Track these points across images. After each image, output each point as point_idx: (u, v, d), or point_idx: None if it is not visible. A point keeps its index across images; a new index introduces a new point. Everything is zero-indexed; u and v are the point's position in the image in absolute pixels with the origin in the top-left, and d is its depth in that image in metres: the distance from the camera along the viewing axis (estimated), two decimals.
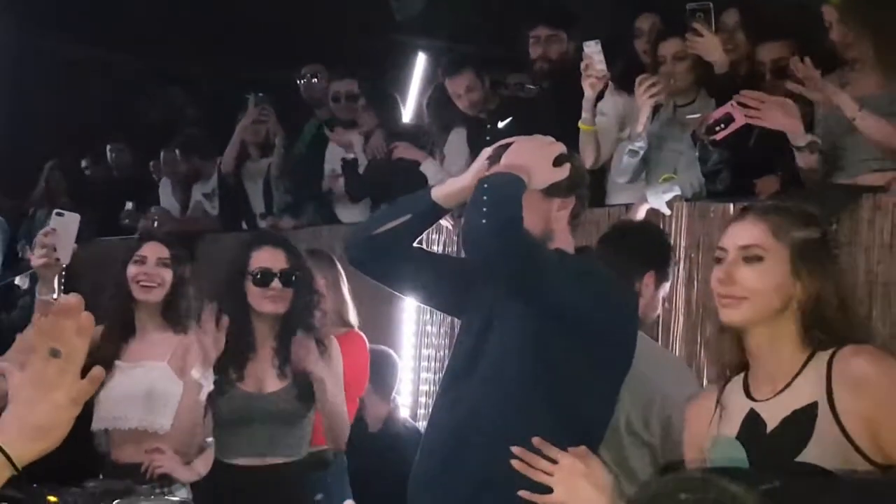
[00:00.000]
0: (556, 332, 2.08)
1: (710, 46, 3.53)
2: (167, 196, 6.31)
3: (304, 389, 2.87)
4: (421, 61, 6.72)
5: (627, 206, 3.62)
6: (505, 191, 2.06)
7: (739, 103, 3.12)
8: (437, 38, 6.81)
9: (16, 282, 5.89)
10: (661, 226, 3.52)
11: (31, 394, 1.23)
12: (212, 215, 6.02)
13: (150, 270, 3.11)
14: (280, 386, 2.88)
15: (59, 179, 6.99)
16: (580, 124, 3.67)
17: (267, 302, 2.88)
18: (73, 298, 1.26)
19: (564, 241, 2.21)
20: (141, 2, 6.46)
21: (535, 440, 1.80)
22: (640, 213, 3.54)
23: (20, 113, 6.99)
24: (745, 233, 1.79)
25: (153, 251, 3.15)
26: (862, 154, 3.15)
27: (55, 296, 3.07)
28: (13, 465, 1.22)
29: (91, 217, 6.70)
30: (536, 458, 1.78)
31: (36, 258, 3.08)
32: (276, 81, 6.06)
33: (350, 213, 5.09)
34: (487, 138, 3.43)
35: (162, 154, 6.41)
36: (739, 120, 3.23)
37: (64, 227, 3.13)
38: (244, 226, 5.69)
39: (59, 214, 3.22)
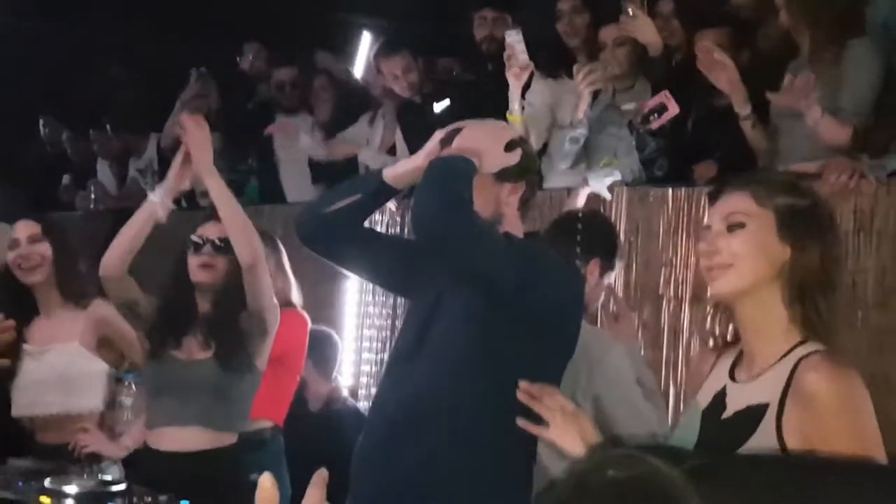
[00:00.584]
0: (501, 314, 2.09)
1: (644, 28, 3.55)
2: (104, 172, 6.22)
3: (230, 361, 2.81)
4: (366, 40, 6.70)
5: (569, 191, 3.64)
6: (455, 172, 2.08)
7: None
8: (381, 17, 6.78)
9: None
10: (602, 209, 3.57)
11: None
12: (147, 191, 5.94)
13: (24, 251, 3.05)
14: (204, 356, 2.83)
15: None
16: (507, 115, 3.64)
17: (199, 271, 2.83)
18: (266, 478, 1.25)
19: (514, 225, 2.23)
20: None
21: (540, 387, 1.91)
22: (581, 198, 3.56)
23: None
24: (726, 204, 1.74)
25: (23, 230, 3.09)
26: (795, 143, 3.21)
27: None
28: None
29: (26, 192, 6.64)
30: (546, 394, 1.88)
31: None
32: (217, 57, 5.98)
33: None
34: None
35: (91, 132, 6.30)
36: (672, 109, 3.28)
37: None
38: (183, 203, 5.63)
39: None
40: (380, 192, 2.32)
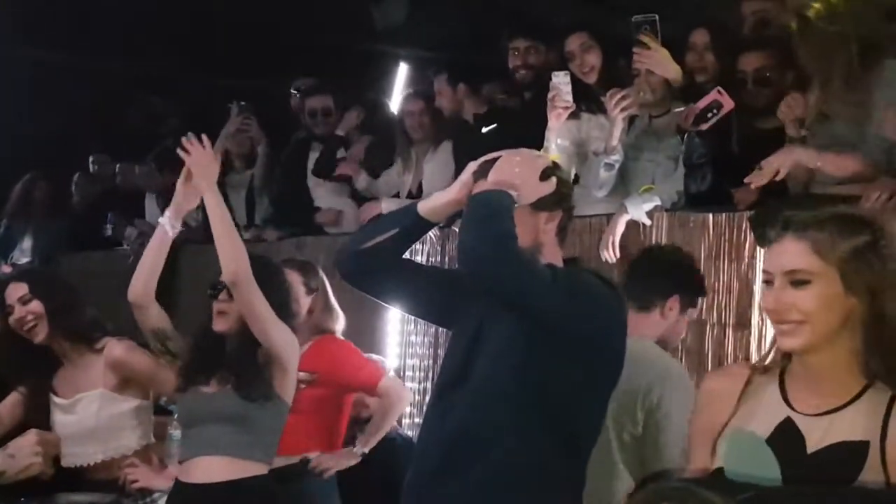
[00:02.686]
0: (546, 344, 2.11)
1: (659, 59, 3.55)
2: (152, 206, 6.30)
3: (249, 391, 2.86)
4: (402, 70, 6.80)
5: (608, 217, 3.68)
6: (497, 207, 2.11)
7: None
8: (417, 48, 6.87)
9: None
10: (641, 236, 3.60)
11: None
12: (192, 226, 6.04)
13: (18, 315, 3.14)
14: (227, 388, 2.88)
15: (39, 191, 6.94)
16: (543, 153, 3.69)
17: (217, 319, 2.92)
18: None
19: (553, 253, 2.26)
20: (122, 9, 6.46)
21: None
22: (621, 225, 3.60)
23: None
24: (787, 257, 1.72)
25: (13, 294, 3.17)
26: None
27: None
28: None
29: (73, 229, 6.76)
30: None
31: None
32: (258, 90, 6.09)
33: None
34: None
35: (137, 168, 6.41)
36: (728, 104, 3.25)
37: None
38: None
39: None
40: (415, 226, 2.37)
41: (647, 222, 3.57)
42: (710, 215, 3.43)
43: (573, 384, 2.13)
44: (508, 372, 2.14)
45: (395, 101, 6.16)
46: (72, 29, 6.61)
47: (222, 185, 5.73)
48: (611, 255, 3.58)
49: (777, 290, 1.72)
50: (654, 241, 3.56)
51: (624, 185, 3.80)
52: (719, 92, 3.29)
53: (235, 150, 5.74)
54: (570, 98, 3.67)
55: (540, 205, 2.22)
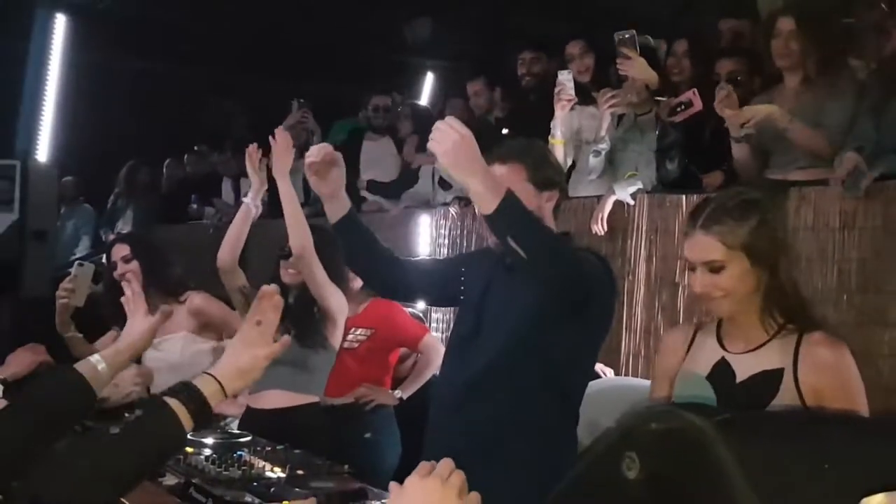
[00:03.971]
0: (550, 305, 2.02)
1: (638, 68, 3.47)
2: (227, 190, 6.33)
3: (305, 340, 2.82)
4: (429, 79, 6.72)
5: (598, 198, 3.62)
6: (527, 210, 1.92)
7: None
8: (441, 59, 6.81)
9: (101, 260, 5.98)
10: (625, 214, 3.53)
11: (239, 347, 1.50)
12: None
13: (121, 269, 3.14)
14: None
15: (136, 176, 7.01)
16: (550, 139, 3.62)
17: (286, 274, 2.90)
18: (271, 287, 1.54)
19: (549, 221, 2.18)
20: (201, 25, 6.45)
21: None
22: (608, 204, 3.53)
23: (104, 122, 7.00)
24: (701, 250, 1.77)
25: (117, 253, 3.18)
26: (789, 156, 3.14)
27: (69, 334, 3.09)
28: (224, 393, 1.46)
29: (163, 206, 6.80)
30: None
31: (58, 300, 3.07)
32: (309, 93, 6.07)
33: None
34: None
35: (214, 156, 6.41)
36: (697, 105, 3.19)
37: (83, 275, 3.10)
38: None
39: (80, 265, 3.18)
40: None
41: (631, 202, 3.51)
42: (684, 196, 3.36)
43: (570, 342, 2.06)
44: (510, 334, 2.08)
45: (423, 103, 6.13)
46: (158, 43, 6.62)
47: None
48: (600, 229, 3.54)
49: (700, 276, 1.78)
50: (636, 218, 3.49)
51: (612, 171, 3.74)
52: (693, 93, 3.22)
53: (294, 142, 5.69)
54: (573, 92, 3.62)
55: (544, 186, 2.14)
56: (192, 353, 3.13)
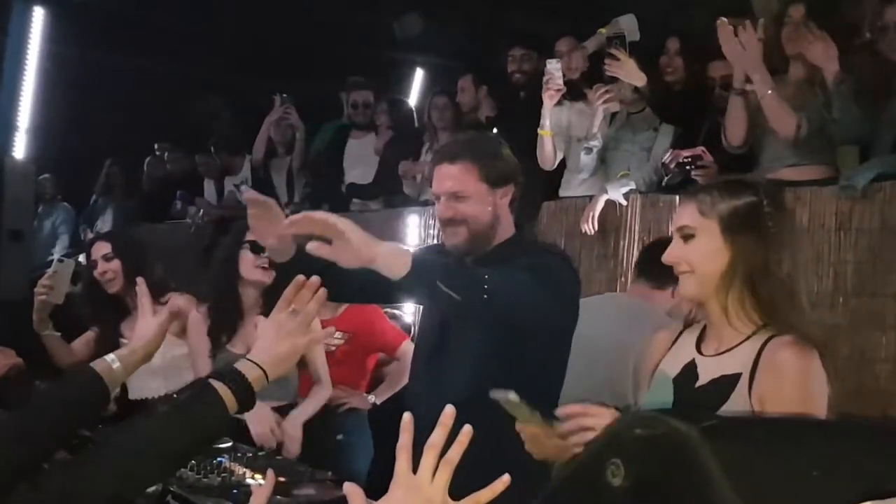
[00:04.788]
0: (510, 329, 1.99)
1: (627, 68, 3.47)
2: (210, 188, 6.30)
3: None
4: (419, 75, 6.71)
5: (590, 198, 3.61)
6: (439, 262, 1.87)
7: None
8: (431, 55, 6.80)
9: (79, 259, 5.93)
10: (617, 213, 3.54)
11: (273, 335, 1.52)
12: (242, 204, 6.00)
13: (100, 269, 3.12)
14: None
15: (117, 174, 6.98)
16: (539, 130, 3.64)
17: (257, 270, 2.73)
18: (315, 279, 1.56)
19: (507, 223, 2.13)
20: (183, 21, 6.43)
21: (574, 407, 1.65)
22: (600, 203, 3.53)
23: (84, 118, 6.96)
24: (679, 215, 1.71)
25: (98, 251, 3.15)
26: (780, 154, 3.16)
27: (46, 332, 3.07)
28: (267, 379, 1.49)
29: (144, 205, 6.77)
30: (585, 414, 1.63)
31: (37, 296, 3.05)
32: (297, 88, 6.06)
33: None
34: None
35: (196, 156, 6.39)
36: (707, 159, 3.22)
37: (63, 272, 3.09)
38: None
39: (59, 261, 3.18)
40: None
41: (624, 202, 3.51)
42: (677, 197, 3.33)
43: (539, 343, 2.02)
44: (475, 344, 2.04)
45: (412, 100, 6.11)
46: (139, 38, 6.59)
47: (266, 167, 5.76)
48: (590, 228, 3.53)
49: (672, 245, 1.71)
50: (628, 219, 3.49)
51: (604, 170, 3.74)
52: (704, 151, 3.25)
53: (278, 138, 5.69)
54: (561, 82, 3.61)
55: (497, 183, 2.08)
56: (172, 356, 3.10)
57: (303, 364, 2.86)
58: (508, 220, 2.14)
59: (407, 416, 1.18)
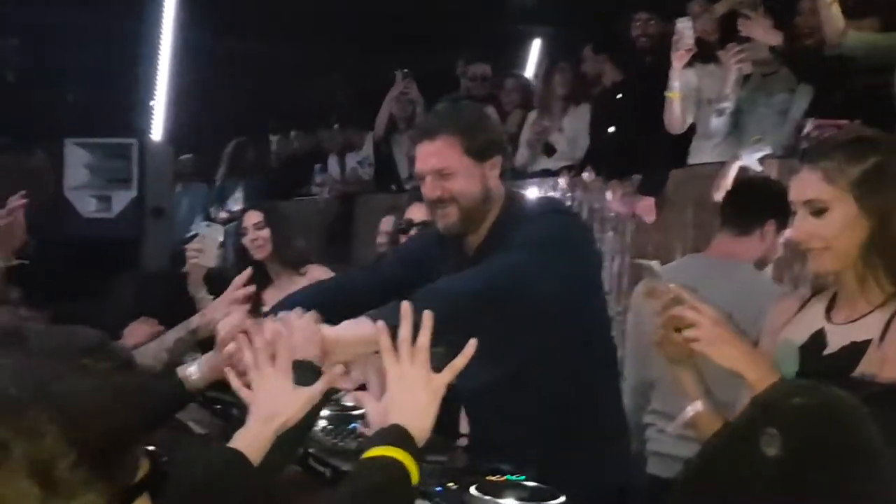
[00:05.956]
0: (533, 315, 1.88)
1: (758, 28, 3.37)
2: (333, 165, 6.44)
3: None
4: (536, 46, 6.63)
5: (722, 164, 3.48)
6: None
7: None
8: (548, 26, 6.71)
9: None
10: None
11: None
12: (364, 179, 6.12)
13: (251, 236, 3.27)
14: None
15: (244, 153, 7.21)
16: (666, 92, 3.56)
17: None
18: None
19: (498, 193, 2.02)
20: (305, 5, 6.59)
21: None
22: (733, 170, 3.40)
23: (213, 99, 7.26)
24: (803, 187, 1.54)
25: (250, 219, 3.31)
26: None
27: (201, 295, 3.11)
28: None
29: (272, 182, 7.02)
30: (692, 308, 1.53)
31: (188, 260, 3.13)
32: (415, 64, 6.11)
33: None
34: None
35: (319, 131, 6.54)
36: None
37: (211, 235, 3.17)
38: (393, 188, 5.79)
39: (207, 225, 3.34)
40: None
41: (759, 168, 3.36)
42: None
43: (566, 310, 1.91)
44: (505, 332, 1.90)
45: (529, 72, 6.06)
46: (265, 21, 6.79)
47: (388, 142, 5.85)
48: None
49: (799, 220, 1.55)
50: None
51: (737, 135, 3.60)
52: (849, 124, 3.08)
53: (399, 114, 5.75)
54: (691, 42, 3.51)
55: (482, 155, 1.97)
56: None
57: None
58: (499, 189, 2.02)
59: (405, 304, 1.31)
